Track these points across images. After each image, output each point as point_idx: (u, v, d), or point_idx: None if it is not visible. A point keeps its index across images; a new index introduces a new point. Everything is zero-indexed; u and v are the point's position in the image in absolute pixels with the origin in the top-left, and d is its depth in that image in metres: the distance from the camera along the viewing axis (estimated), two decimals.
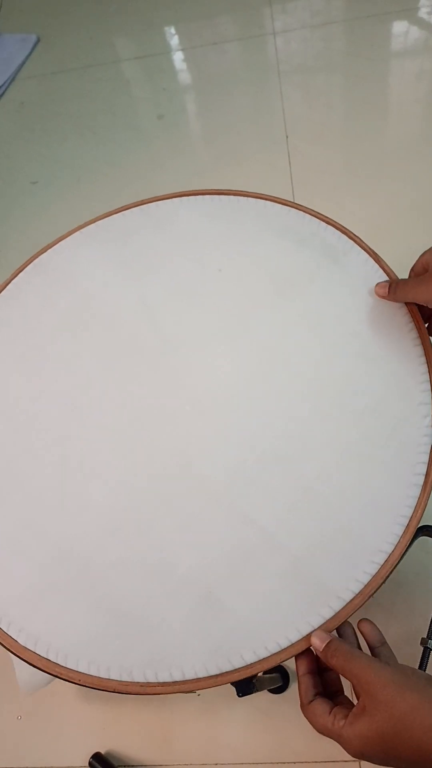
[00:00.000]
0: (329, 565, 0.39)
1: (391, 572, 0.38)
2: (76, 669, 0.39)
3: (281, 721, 0.69)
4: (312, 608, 0.38)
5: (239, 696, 0.38)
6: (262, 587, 0.39)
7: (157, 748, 0.71)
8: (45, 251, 0.56)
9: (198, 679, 0.37)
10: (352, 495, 0.41)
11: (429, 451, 0.41)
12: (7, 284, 0.54)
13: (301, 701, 0.37)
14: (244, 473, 0.42)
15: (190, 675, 0.37)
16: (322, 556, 0.39)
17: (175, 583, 0.40)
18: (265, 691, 0.68)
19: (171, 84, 1.29)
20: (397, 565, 0.39)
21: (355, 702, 0.35)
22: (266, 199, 0.54)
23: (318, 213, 0.52)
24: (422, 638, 0.46)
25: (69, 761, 0.72)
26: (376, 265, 0.49)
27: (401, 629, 0.72)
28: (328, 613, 0.38)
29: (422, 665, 0.44)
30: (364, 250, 0.50)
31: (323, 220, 0.52)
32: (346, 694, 0.39)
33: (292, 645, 0.37)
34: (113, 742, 0.72)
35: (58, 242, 0.56)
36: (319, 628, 0.37)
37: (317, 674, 0.38)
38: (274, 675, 0.67)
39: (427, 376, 0.44)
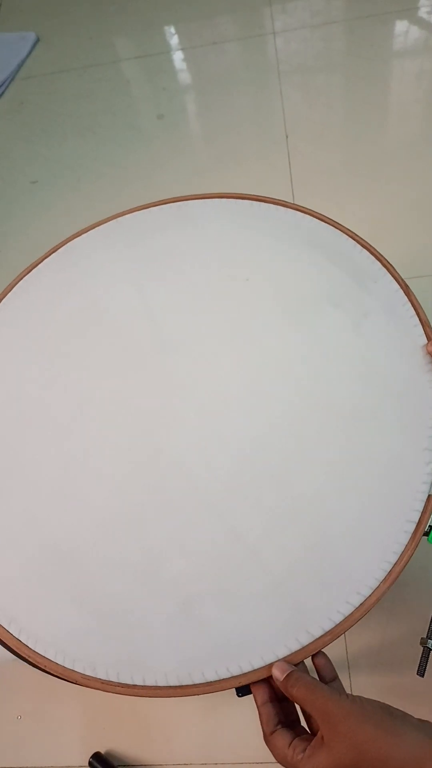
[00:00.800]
0: (310, 592, 0.38)
1: (374, 604, 0.38)
2: (43, 654, 0.39)
3: None
4: (288, 633, 0.38)
5: (238, 696, 0.38)
6: (240, 605, 0.39)
7: (157, 748, 0.71)
8: (72, 239, 0.55)
9: (157, 687, 0.38)
10: (343, 525, 0.40)
11: (425, 499, 0.40)
12: (30, 271, 0.54)
13: (263, 731, 0.37)
14: (239, 487, 0.42)
15: (150, 682, 0.38)
16: (304, 582, 0.39)
17: (156, 588, 0.40)
18: None
19: (171, 84, 1.29)
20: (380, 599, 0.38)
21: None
22: (304, 212, 0.53)
23: (355, 234, 0.51)
24: (422, 638, 0.46)
25: (69, 761, 0.72)
26: (405, 298, 0.47)
27: (401, 629, 0.72)
28: (305, 639, 0.37)
29: (421, 666, 0.44)
30: (396, 279, 0.48)
31: (359, 242, 0.50)
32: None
33: (264, 667, 0.37)
34: (113, 742, 0.72)
35: (88, 230, 0.55)
36: (283, 659, 0.37)
37: (277, 702, 0.38)
38: None
39: None
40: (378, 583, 0.38)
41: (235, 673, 0.37)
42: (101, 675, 0.38)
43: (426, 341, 0.46)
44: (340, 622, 0.38)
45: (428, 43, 1.21)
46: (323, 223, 0.52)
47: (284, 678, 0.36)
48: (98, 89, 1.31)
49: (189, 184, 1.13)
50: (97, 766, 0.69)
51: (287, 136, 1.14)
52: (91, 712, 0.74)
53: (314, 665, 0.39)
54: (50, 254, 0.55)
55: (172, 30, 1.38)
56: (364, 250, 0.50)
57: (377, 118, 1.14)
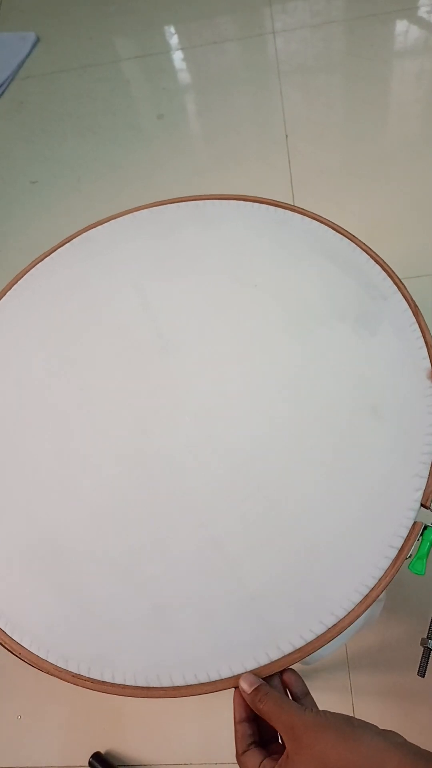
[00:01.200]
0: (284, 609, 0.38)
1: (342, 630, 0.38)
2: (19, 642, 0.40)
3: None
4: (258, 647, 0.38)
5: None
6: (213, 615, 0.39)
7: (157, 748, 0.71)
8: (95, 227, 0.55)
9: (125, 686, 0.38)
10: (325, 546, 0.40)
11: (409, 527, 0.40)
12: (51, 253, 0.55)
13: (236, 750, 0.37)
14: (226, 497, 0.42)
15: (119, 680, 0.38)
16: (280, 598, 0.39)
17: (134, 589, 0.40)
18: None
19: (171, 84, 1.29)
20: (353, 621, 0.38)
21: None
22: (321, 222, 0.52)
23: (369, 248, 0.51)
24: (422, 638, 0.46)
25: (69, 761, 0.72)
26: (413, 318, 0.47)
27: (401, 629, 0.72)
28: (275, 654, 0.37)
29: (422, 666, 0.44)
30: (406, 299, 0.48)
31: (372, 257, 0.50)
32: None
33: (221, 680, 0.37)
34: (113, 741, 0.72)
35: (109, 221, 0.56)
36: (250, 671, 0.37)
37: (254, 721, 0.37)
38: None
39: (431, 448, 0.42)
40: (353, 606, 0.38)
41: (202, 681, 0.37)
42: (72, 668, 0.38)
43: (430, 366, 0.45)
44: (311, 641, 0.38)
45: (428, 43, 1.21)
46: (338, 234, 0.52)
47: (252, 691, 0.36)
48: (98, 89, 1.31)
49: (189, 184, 1.13)
50: (97, 766, 0.69)
51: (287, 136, 1.14)
52: (91, 712, 0.74)
53: (283, 682, 0.39)
54: (64, 244, 0.55)
55: (172, 30, 1.38)
56: (377, 266, 0.50)
57: (377, 118, 1.14)
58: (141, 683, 0.38)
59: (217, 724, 0.71)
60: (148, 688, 0.38)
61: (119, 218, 0.56)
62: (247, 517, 0.41)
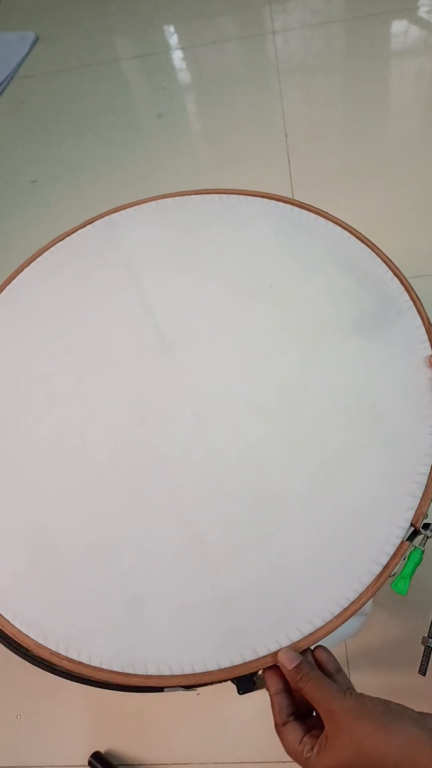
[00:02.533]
0: (253, 618, 0.39)
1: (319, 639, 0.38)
2: (3, 615, 0.40)
3: None
4: (224, 649, 0.38)
5: (240, 693, 0.38)
6: (182, 612, 0.39)
7: (157, 748, 0.71)
8: (117, 211, 0.55)
9: (100, 669, 0.38)
10: (306, 560, 0.40)
11: (397, 545, 0.40)
12: (73, 232, 0.54)
13: (275, 721, 0.37)
14: (213, 498, 0.42)
15: (95, 663, 0.38)
16: (253, 604, 0.39)
17: (110, 578, 0.40)
18: (265, 690, 0.68)
19: (171, 83, 1.29)
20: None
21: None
22: (344, 228, 0.52)
23: (389, 259, 0.50)
24: (423, 637, 0.46)
25: (69, 760, 0.72)
26: (425, 336, 0.46)
27: (402, 628, 0.73)
28: (250, 655, 0.38)
29: (423, 664, 0.44)
30: (420, 314, 0.47)
31: (391, 268, 0.49)
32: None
33: (184, 675, 0.38)
34: (113, 741, 0.72)
35: (131, 206, 0.55)
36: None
37: (288, 692, 0.38)
38: None
39: (427, 469, 0.42)
40: (332, 617, 0.38)
41: (175, 672, 0.38)
42: (51, 645, 0.39)
43: (430, 353, 0.45)
44: (274, 650, 0.38)
45: (428, 43, 1.21)
46: (360, 242, 0.51)
47: (293, 669, 0.36)
48: (98, 89, 1.31)
49: (189, 183, 1.13)
50: (97, 765, 0.69)
51: (287, 136, 1.14)
52: (90, 711, 0.74)
53: (315, 658, 0.39)
54: (86, 225, 0.55)
55: (172, 29, 1.38)
56: (395, 279, 0.49)
57: (377, 117, 1.14)
58: (116, 668, 0.38)
59: (217, 724, 0.71)
60: (124, 674, 0.38)
61: (143, 204, 0.55)
62: (232, 519, 0.41)
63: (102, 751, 0.71)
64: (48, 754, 0.73)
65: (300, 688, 0.36)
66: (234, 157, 1.15)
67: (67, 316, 0.50)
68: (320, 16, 1.28)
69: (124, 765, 0.71)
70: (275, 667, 0.38)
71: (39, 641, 0.39)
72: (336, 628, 0.38)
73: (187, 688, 0.39)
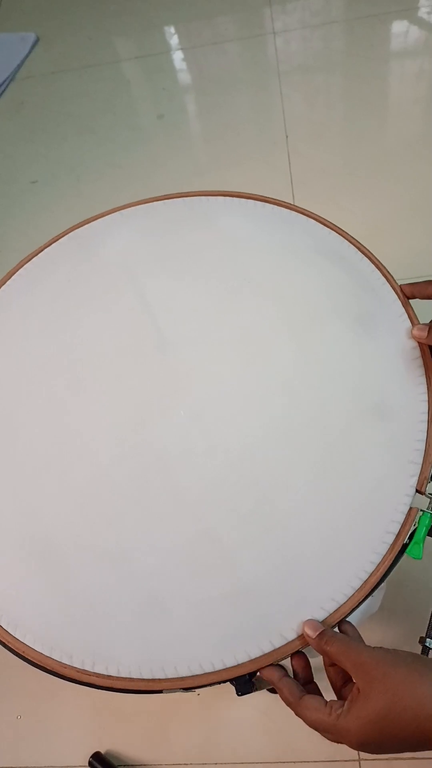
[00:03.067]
0: (278, 600, 0.39)
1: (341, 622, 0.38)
2: (22, 640, 0.39)
3: (281, 721, 0.69)
4: (244, 642, 0.38)
5: (238, 695, 0.38)
6: (205, 606, 0.39)
7: (157, 748, 0.71)
8: (83, 225, 0.55)
9: (131, 679, 0.38)
10: (318, 538, 0.40)
11: (405, 513, 0.40)
12: (41, 251, 0.54)
13: (288, 701, 0.37)
14: (220, 491, 0.42)
15: (124, 673, 0.38)
16: (274, 590, 0.39)
17: (129, 581, 0.40)
18: (264, 690, 0.68)
19: (171, 84, 1.29)
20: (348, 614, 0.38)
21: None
22: (309, 216, 0.53)
23: (357, 241, 0.51)
24: (420, 637, 0.46)
25: (69, 761, 0.72)
26: (402, 309, 0.48)
27: (401, 629, 0.73)
28: (255, 653, 0.38)
29: None
30: (394, 289, 0.48)
31: (360, 249, 0.50)
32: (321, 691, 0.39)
33: (216, 671, 0.38)
34: (113, 742, 0.72)
35: (98, 218, 0.55)
36: (311, 619, 0.38)
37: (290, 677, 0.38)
38: None
39: (424, 434, 0.43)
40: (354, 591, 0.39)
41: (207, 670, 0.38)
42: (77, 664, 0.38)
43: (420, 355, 0.46)
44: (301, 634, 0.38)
45: (428, 43, 1.21)
46: (326, 228, 0.52)
47: (317, 636, 0.36)
48: (98, 89, 1.31)
49: (189, 184, 1.13)
50: (97, 766, 0.69)
51: (287, 136, 1.14)
52: (90, 712, 0.74)
53: (340, 630, 0.39)
54: (57, 240, 0.55)
55: (172, 30, 1.38)
56: (365, 258, 0.50)
57: (377, 118, 1.14)
58: (146, 675, 0.38)
59: (217, 724, 0.71)
60: (154, 680, 0.38)
61: (111, 215, 0.56)
62: (241, 509, 0.41)
63: (102, 751, 0.71)
64: (48, 755, 0.73)
65: (326, 651, 0.36)
66: (234, 157, 1.15)
67: (48, 330, 0.50)
68: (320, 16, 1.28)
69: (125, 765, 0.71)
70: (298, 659, 0.38)
71: (64, 661, 0.39)
72: (359, 601, 0.38)
73: (187, 689, 0.39)
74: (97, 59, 1.35)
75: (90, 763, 0.70)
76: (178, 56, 1.33)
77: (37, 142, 1.27)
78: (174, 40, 1.36)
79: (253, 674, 0.38)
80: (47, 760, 0.72)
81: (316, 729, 0.35)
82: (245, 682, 0.38)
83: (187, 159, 1.18)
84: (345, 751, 0.67)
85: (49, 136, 1.27)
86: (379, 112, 1.15)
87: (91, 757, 0.70)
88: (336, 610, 0.38)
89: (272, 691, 0.68)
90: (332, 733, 0.34)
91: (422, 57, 1.20)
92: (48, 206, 1.17)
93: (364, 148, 1.11)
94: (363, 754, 0.67)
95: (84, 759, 0.71)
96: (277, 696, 0.38)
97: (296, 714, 0.36)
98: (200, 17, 1.36)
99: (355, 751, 0.67)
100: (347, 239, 0.51)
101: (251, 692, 0.38)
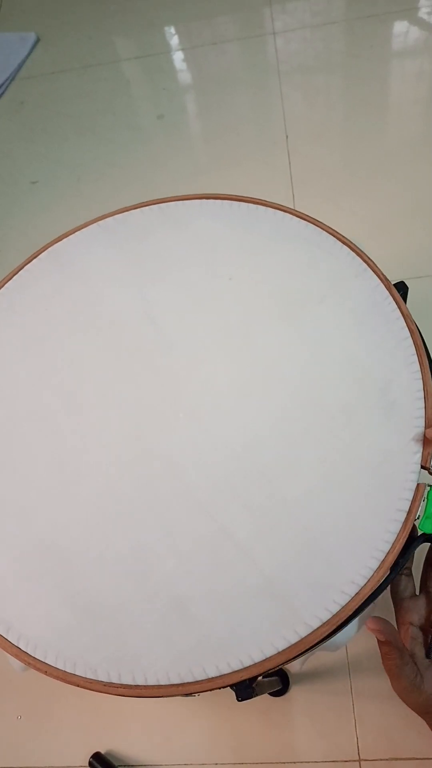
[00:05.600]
0: (301, 589, 0.39)
1: (365, 603, 0.38)
2: (43, 660, 0.39)
3: (281, 721, 0.70)
4: (278, 630, 0.38)
5: (239, 700, 0.38)
6: (232, 603, 0.39)
7: (157, 748, 0.71)
8: (60, 240, 0.55)
9: (159, 686, 0.38)
10: (332, 522, 0.40)
11: (413, 490, 0.41)
12: (20, 269, 0.54)
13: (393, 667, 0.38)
14: (229, 486, 0.42)
15: (152, 681, 0.38)
16: (294, 579, 0.39)
17: (149, 587, 0.40)
18: (265, 693, 0.68)
19: (171, 84, 1.29)
20: (374, 597, 0.39)
21: None
22: (285, 211, 0.53)
23: (334, 231, 0.52)
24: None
25: (69, 761, 0.72)
26: (386, 292, 0.48)
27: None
28: (293, 638, 0.38)
29: (428, 650, 0.44)
30: (377, 275, 0.49)
31: (339, 239, 0.51)
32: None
33: (255, 664, 0.37)
34: (113, 742, 0.72)
35: (74, 232, 0.56)
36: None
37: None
38: (273, 678, 0.67)
39: (422, 412, 0.43)
40: (372, 572, 0.39)
41: (236, 668, 0.37)
42: (102, 677, 0.38)
43: (408, 335, 0.46)
44: (337, 612, 0.38)
45: (428, 43, 1.21)
46: (303, 221, 0.53)
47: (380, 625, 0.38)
48: (98, 89, 1.31)
49: (189, 184, 1.13)
50: (97, 766, 0.69)
51: (287, 136, 1.14)
52: (91, 712, 0.74)
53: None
54: (38, 255, 0.55)
55: (172, 30, 1.38)
56: (345, 247, 0.51)
57: (377, 118, 1.14)
58: (175, 680, 0.38)
59: (217, 724, 0.71)
60: (183, 684, 0.38)
61: (84, 228, 0.56)
62: (253, 503, 0.41)
63: (102, 751, 0.71)
64: (48, 755, 0.73)
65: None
66: (234, 157, 1.15)
67: (40, 340, 0.50)
68: (320, 16, 1.28)
69: (125, 765, 0.71)
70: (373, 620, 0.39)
71: (88, 677, 0.38)
72: (378, 582, 0.38)
73: (188, 693, 0.38)
74: (97, 59, 1.35)
75: (90, 763, 0.70)
76: (178, 56, 1.33)
77: (37, 142, 1.27)
78: (174, 40, 1.36)
79: (253, 680, 0.38)
80: (47, 760, 0.72)
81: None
82: (246, 687, 0.38)
83: (187, 159, 1.18)
84: (345, 751, 0.67)
85: (49, 136, 1.27)
86: (380, 112, 1.15)
87: (91, 757, 0.70)
88: (357, 593, 0.38)
89: (273, 694, 0.69)
90: None
91: (422, 57, 1.20)
92: (48, 206, 1.17)
93: (364, 147, 1.11)
94: (363, 754, 0.67)
95: (84, 759, 0.71)
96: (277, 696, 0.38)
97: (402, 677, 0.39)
98: (200, 17, 1.36)
99: (355, 751, 0.67)
100: (326, 230, 0.52)
101: (251, 698, 0.38)
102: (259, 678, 0.38)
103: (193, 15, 1.37)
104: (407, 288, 0.49)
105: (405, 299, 0.49)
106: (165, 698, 0.70)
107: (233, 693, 0.39)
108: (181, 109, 1.26)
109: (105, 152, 1.22)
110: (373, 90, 1.17)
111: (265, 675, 0.39)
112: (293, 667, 0.50)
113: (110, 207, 0.58)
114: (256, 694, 0.39)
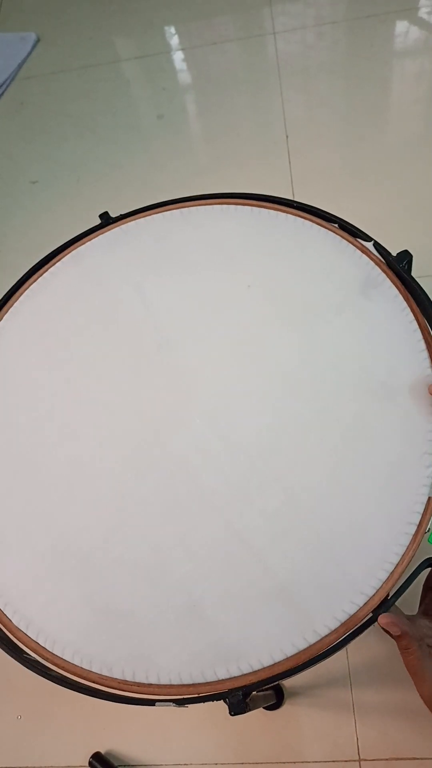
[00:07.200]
0: (312, 596, 0.39)
1: (376, 612, 0.38)
2: (61, 656, 0.40)
3: (282, 722, 0.69)
4: (287, 636, 0.38)
5: (231, 714, 0.38)
6: (245, 607, 0.39)
7: (157, 748, 0.71)
8: (83, 243, 0.56)
9: (171, 686, 0.38)
10: (344, 531, 0.41)
11: (425, 502, 0.41)
12: (44, 272, 0.55)
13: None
14: (245, 493, 0.42)
15: (164, 680, 0.38)
16: (306, 586, 0.40)
17: (165, 589, 0.40)
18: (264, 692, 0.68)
19: (171, 84, 1.29)
20: (388, 605, 0.39)
21: None
22: (304, 218, 0.53)
23: (354, 240, 0.51)
24: None
25: (69, 761, 0.72)
26: (404, 303, 0.48)
27: None
28: (302, 644, 0.38)
29: None
30: (394, 284, 0.49)
31: (359, 248, 0.51)
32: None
33: (264, 668, 0.38)
34: (113, 742, 0.72)
35: (97, 236, 0.56)
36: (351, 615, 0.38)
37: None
38: (267, 692, 0.67)
39: None
40: (381, 583, 0.39)
41: (245, 671, 0.38)
42: (117, 675, 0.39)
43: (425, 347, 0.46)
44: (345, 621, 0.38)
45: (428, 43, 1.21)
46: (323, 228, 0.53)
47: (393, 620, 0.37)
48: (98, 89, 1.31)
49: (189, 184, 1.13)
50: (97, 766, 0.69)
51: (287, 137, 1.14)
52: (91, 712, 0.74)
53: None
54: (55, 263, 0.56)
55: (172, 30, 1.38)
56: (364, 255, 0.50)
57: (377, 118, 1.14)
58: (186, 681, 0.38)
59: (216, 725, 0.71)
60: (194, 685, 0.38)
61: (108, 232, 0.56)
62: (267, 509, 0.42)
63: (102, 751, 0.71)
64: (48, 755, 0.73)
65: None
66: (235, 157, 1.15)
67: (57, 347, 0.51)
68: (321, 16, 1.28)
69: (125, 765, 0.71)
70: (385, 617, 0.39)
71: (104, 673, 0.39)
72: (387, 592, 0.39)
73: (179, 704, 0.39)
74: (97, 59, 1.35)
75: (90, 763, 0.70)
76: (178, 56, 1.33)
77: (37, 142, 1.27)
78: (174, 40, 1.36)
79: (247, 694, 0.38)
80: (47, 760, 0.72)
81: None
82: (239, 701, 0.38)
83: (188, 159, 1.18)
84: (345, 751, 0.67)
85: (49, 136, 1.27)
86: (380, 112, 1.15)
87: (91, 757, 0.70)
88: (365, 603, 0.39)
89: (267, 708, 0.68)
90: None
91: (422, 57, 1.20)
92: (48, 206, 1.17)
93: (364, 147, 1.11)
94: (363, 754, 0.67)
95: (84, 759, 0.71)
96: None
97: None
98: (200, 17, 1.36)
99: (356, 751, 0.67)
100: (345, 239, 0.52)
101: (245, 712, 0.38)
102: (253, 693, 0.39)
103: (193, 15, 1.37)
104: (411, 257, 0.49)
105: (410, 268, 0.49)
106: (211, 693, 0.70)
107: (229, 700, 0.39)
108: (181, 109, 1.26)
109: (105, 152, 1.22)
110: (374, 90, 1.17)
111: (261, 689, 0.39)
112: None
113: (111, 206, 0.58)
114: (250, 709, 0.39)
